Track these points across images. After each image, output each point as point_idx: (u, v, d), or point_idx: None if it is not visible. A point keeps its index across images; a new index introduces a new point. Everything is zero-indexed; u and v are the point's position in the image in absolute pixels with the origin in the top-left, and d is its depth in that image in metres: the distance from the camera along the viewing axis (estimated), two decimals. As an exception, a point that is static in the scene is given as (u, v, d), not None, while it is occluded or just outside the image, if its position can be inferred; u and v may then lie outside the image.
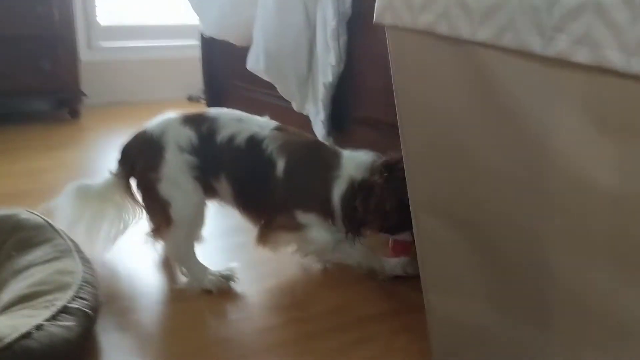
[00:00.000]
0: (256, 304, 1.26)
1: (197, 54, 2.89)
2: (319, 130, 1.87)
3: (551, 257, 0.78)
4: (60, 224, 1.32)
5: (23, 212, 1.33)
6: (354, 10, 1.73)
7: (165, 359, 1.07)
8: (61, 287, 1.08)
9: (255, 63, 2.02)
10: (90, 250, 1.30)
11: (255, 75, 2.17)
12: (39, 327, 0.95)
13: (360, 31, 1.74)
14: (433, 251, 0.95)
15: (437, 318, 0.98)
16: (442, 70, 0.82)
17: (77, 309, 1.04)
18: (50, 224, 1.34)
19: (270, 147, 1.30)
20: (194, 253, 1.33)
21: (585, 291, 0.76)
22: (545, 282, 0.80)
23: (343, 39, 1.74)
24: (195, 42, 2.87)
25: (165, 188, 1.28)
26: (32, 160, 2.39)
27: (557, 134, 0.73)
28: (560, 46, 0.69)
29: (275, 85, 2.00)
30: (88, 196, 1.39)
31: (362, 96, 1.79)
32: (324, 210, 1.29)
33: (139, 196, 1.37)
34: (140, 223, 1.43)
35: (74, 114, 3.24)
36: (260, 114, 1.39)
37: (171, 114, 1.36)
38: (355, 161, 1.30)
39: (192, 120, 1.33)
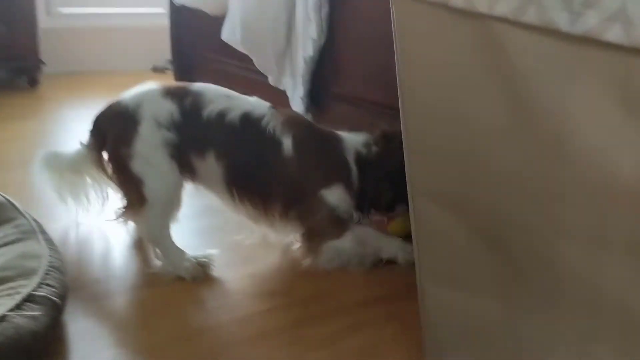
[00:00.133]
0: (236, 290, 1.20)
1: (164, 22, 2.78)
2: (297, 106, 1.80)
3: (564, 249, 0.74)
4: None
5: (-21, 189, 1.24)
6: (337, -20, 1.65)
7: (139, 350, 1.00)
8: (26, 273, 1.00)
9: (231, 34, 1.93)
10: (58, 227, 1.21)
11: (227, 47, 2.08)
12: (2, 319, 0.87)
13: (342, 2, 1.66)
14: (431, 239, 0.89)
15: (431, 308, 0.93)
16: (453, 46, 0.76)
17: (44, 297, 0.96)
18: (10, 202, 1.24)
19: (272, 125, 1.23)
20: (169, 235, 1.25)
21: (599, 286, 0.72)
22: (556, 276, 0.76)
23: (325, 10, 1.66)
24: (161, 10, 2.74)
25: (139, 165, 1.20)
26: (-11, 131, 2.26)
27: (578, 118, 0.68)
28: (590, 23, 0.63)
29: (252, 58, 1.92)
30: (57, 166, 1.29)
31: (342, 72, 1.72)
32: (348, 183, 1.26)
33: (111, 171, 1.27)
34: (111, 200, 1.34)
35: (33, 82, 3.11)
36: (232, 88, 1.31)
37: (151, 85, 1.26)
38: (354, 138, 1.29)
39: (173, 94, 1.23)
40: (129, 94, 1.25)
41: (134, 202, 1.23)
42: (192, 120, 1.21)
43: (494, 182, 0.78)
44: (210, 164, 1.23)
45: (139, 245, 1.36)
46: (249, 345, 1.01)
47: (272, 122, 1.23)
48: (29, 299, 0.93)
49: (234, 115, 1.22)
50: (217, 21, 2.10)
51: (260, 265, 1.31)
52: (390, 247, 1.27)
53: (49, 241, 1.14)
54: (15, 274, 1.00)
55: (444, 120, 0.81)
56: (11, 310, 0.89)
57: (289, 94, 1.85)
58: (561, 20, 0.65)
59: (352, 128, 1.38)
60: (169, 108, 1.20)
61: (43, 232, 1.17)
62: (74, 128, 2.24)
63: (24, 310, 0.91)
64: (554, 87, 0.69)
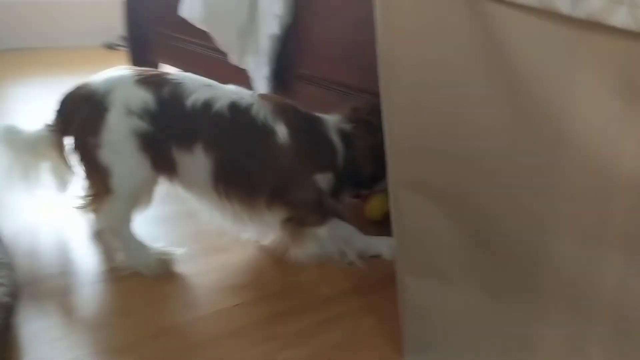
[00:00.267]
0: (203, 285, 1.13)
1: (116, -4, 2.63)
2: (260, 86, 1.72)
3: (555, 245, 0.71)
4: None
5: None
6: (303, -46, 1.57)
7: (100, 352, 0.93)
8: (-28, 273, 0.91)
9: (190, 10, 1.83)
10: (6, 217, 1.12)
11: (186, 23, 1.98)
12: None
13: (309, -22, 1.59)
14: (413, 231, 0.85)
15: (411, 303, 0.89)
16: (444, 29, 0.71)
17: (-7, 299, 0.88)
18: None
19: (262, 113, 1.18)
20: (130, 228, 1.17)
21: (591, 283, 0.69)
22: (546, 272, 0.73)
23: (291, -14, 1.58)
24: (114, -17, 2.60)
25: (106, 155, 1.11)
26: None
27: (574, 106, 0.64)
28: (593, 6, 0.59)
29: (213, 36, 1.83)
30: (13, 144, 1.18)
31: (310, 51, 1.65)
32: (336, 166, 1.25)
33: (75, 157, 1.17)
34: (68, 187, 1.25)
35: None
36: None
37: (124, 70, 1.17)
38: (332, 118, 1.28)
39: (149, 81, 1.14)
40: (99, 77, 1.15)
41: (99, 192, 1.15)
42: (173, 111, 1.13)
43: (482, 172, 0.74)
44: (197, 157, 1.15)
45: (98, 237, 1.27)
46: (217, 344, 0.95)
47: (262, 110, 1.18)
48: (-24, 301, 0.85)
49: (221, 104, 1.15)
50: (175, -4, 1.99)
51: (227, 256, 1.24)
52: (378, 244, 1.24)
53: (-5, 235, 1.05)
54: (-40, 274, 0.91)
55: (430, 107, 0.76)
56: (-44, 315, 0.81)
57: (251, 74, 1.77)
58: (562, 2, 0.61)
59: (319, 110, 1.33)
60: (142, 96, 1.12)
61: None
62: (18, 109, 2.08)
63: (-30, 315, 0.83)
64: (551, 73, 0.65)
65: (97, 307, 1.05)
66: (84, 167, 1.16)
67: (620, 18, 0.58)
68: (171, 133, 1.14)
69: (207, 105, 1.14)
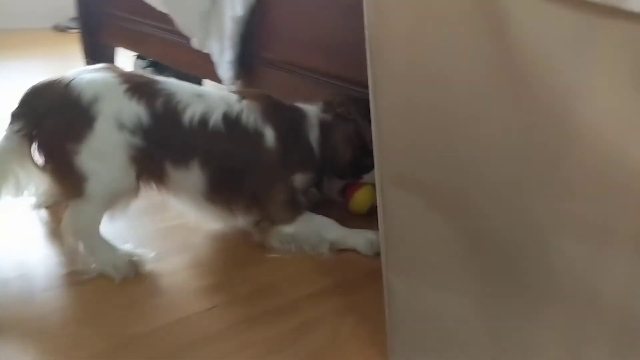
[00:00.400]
0: (172, 287, 1.06)
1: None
2: (225, 72, 1.64)
3: (559, 243, 0.66)
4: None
5: None
6: None
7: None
8: None
9: (148, -10, 1.72)
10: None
11: (142, 4, 1.87)
12: None
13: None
14: (401, 229, 0.80)
15: (398, 305, 0.84)
16: (441, 13, 0.65)
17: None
18: None
19: (252, 118, 1.16)
20: (99, 230, 1.10)
21: (599, 283, 0.65)
22: (547, 271, 0.69)
23: (256, -36, 1.50)
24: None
25: (86, 162, 1.04)
26: None
27: (582, 96, 0.59)
28: (608, -12, 0.54)
29: (173, 18, 1.73)
30: None
31: (275, 34, 1.57)
32: (314, 164, 1.25)
33: (40, 158, 1.08)
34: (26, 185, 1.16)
35: None
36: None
37: (107, 72, 1.10)
38: (312, 107, 1.28)
39: (139, 91, 1.08)
40: (78, 77, 1.07)
41: (67, 193, 1.07)
42: (170, 128, 1.10)
43: (480, 170, 0.69)
44: (191, 173, 1.13)
45: (57, 235, 1.18)
46: (189, 354, 0.89)
47: (252, 116, 1.16)
48: None
49: (215, 118, 1.13)
50: (129, -25, 1.88)
51: (198, 255, 1.17)
52: (354, 238, 1.20)
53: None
54: None
55: (424, 100, 0.70)
56: None
57: (214, 58, 1.68)
58: (574, -16, 0.55)
59: (286, 95, 1.30)
60: (134, 110, 1.07)
61: None
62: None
63: None
64: (558, 61, 0.59)
65: (57, 315, 0.97)
66: (53, 170, 1.08)
67: (637, 2, 0.53)
68: (166, 149, 1.11)
69: (203, 121, 1.11)
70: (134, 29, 2.15)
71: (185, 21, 1.71)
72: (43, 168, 1.08)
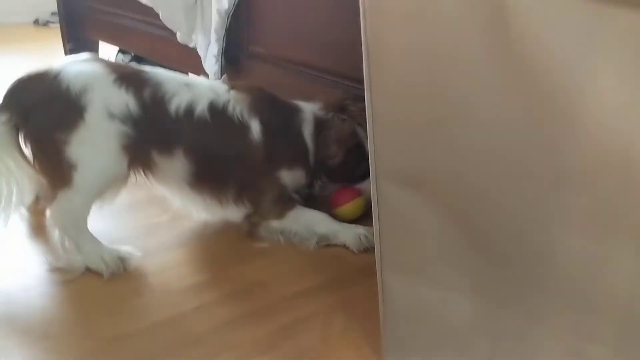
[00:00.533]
0: (157, 286, 1.03)
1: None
2: (210, 66, 1.61)
3: (560, 238, 0.64)
4: None
5: None
6: None
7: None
8: None
9: (131, -18, 1.68)
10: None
11: (124, -2, 1.83)
12: None
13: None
14: (396, 224, 0.77)
15: (393, 303, 0.82)
16: (440, 3, 0.62)
17: None
18: None
19: (238, 109, 1.15)
20: (86, 224, 1.08)
21: (602, 279, 0.63)
22: (547, 267, 0.67)
23: (242, -44, 1.47)
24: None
25: (76, 152, 1.04)
26: None
27: (594, 90, 0.57)
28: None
29: (158, 11, 1.69)
30: None
31: (262, 27, 1.54)
32: (306, 161, 1.22)
33: (28, 149, 1.08)
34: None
35: None
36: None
37: (95, 63, 1.10)
38: (309, 105, 1.25)
39: (127, 81, 1.09)
40: (66, 69, 1.06)
41: (56, 183, 1.06)
42: (157, 117, 1.10)
43: (481, 163, 0.66)
44: (176, 161, 1.13)
45: (40, 236, 1.16)
46: (175, 355, 0.86)
47: (238, 107, 1.15)
48: None
49: (201, 107, 1.13)
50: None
51: (184, 252, 1.14)
52: (345, 233, 1.17)
53: None
54: None
55: (422, 91, 0.67)
56: None
57: (200, 52, 1.65)
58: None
59: (273, 89, 1.26)
60: (123, 99, 1.07)
61: None
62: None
63: None
64: (568, 55, 0.57)
65: (41, 315, 0.94)
66: (41, 161, 1.07)
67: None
68: (153, 137, 1.11)
69: (189, 110, 1.11)
70: (116, 23, 2.11)
71: (170, 14, 1.67)
72: (32, 160, 1.08)
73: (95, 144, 1.05)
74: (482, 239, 0.71)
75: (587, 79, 0.56)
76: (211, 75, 1.61)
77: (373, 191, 0.76)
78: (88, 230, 1.07)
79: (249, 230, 1.19)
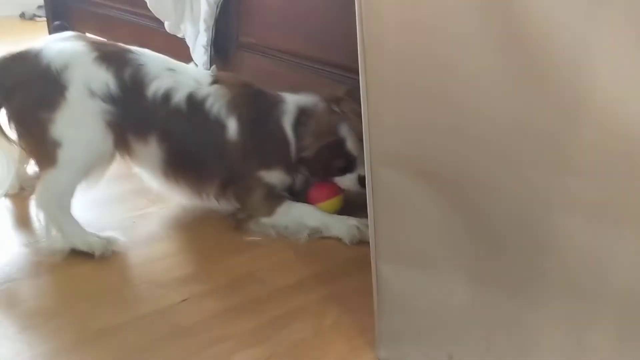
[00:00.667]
0: (143, 278, 1.00)
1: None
2: (199, 56, 1.58)
3: (562, 224, 0.63)
4: None
5: None
6: None
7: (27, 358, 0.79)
8: None
9: (118, -29, 1.65)
10: None
11: (113, -12, 1.80)
12: None
13: None
14: (392, 212, 0.75)
15: (388, 292, 0.79)
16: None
17: None
18: None
19: (216, 106, 1.13)
20: (69, 206, 1.06)
21: (604, 266, 0.62)
22: (548, 254, 0.65)
23: (231, -57, 1.44)
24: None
25: (61, 129, 1.03)
26: None
27: (596, 67, 0.55)
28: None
29: (145, 1, 1.66)
30: None
31: (252, 17, 1.52)
32: (288, 160, 1.18)
33: (12, 130, 1.07)
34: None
35: None
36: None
37: (76, 41, 1.09)
38: (295, 97, 1.20)
39: (109, 59, 1.07)
40: (46, 47, 1.05)
41: (41, 162, 1.06)
42: (134, 99, 1.08)
43: (479, 146, 0.64)
44: (150, 147, 1.11)
45: (21, 226, 1.13)
46: (163, 347, 0.83)
47: (217, 103, 1.13)
48: None
49: (180, 96, 1.10)
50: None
51: (171, 244, 1.12)
52: (336, 226, 1.14)
53: None
54: None
55: (419, 73, 0.65)
56: None
57: (189, 42, 1.62)
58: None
59: (264, 80, 1.24)
60: (103, 77, 1.06)
61: None
62: None
63: None
64: (572, 38, 0.55)
65: (22, 307, 0.91)
66: (26, 141, 1.07)
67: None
68: (129, 120, 1.08)
69: (166, 96, 1.09)
70: (104, 14, 2.08)
71: (158, 4, 1.64)
72: (18, 140, 1.07)
73: (78, 121, 1.03)
74: (482, 226, 0.69)
75: (589, 53, 0.54)
76: (200, 66, 1.58)
77: (368, 180, 0.74)
78: (71, 214, 1.06)
79: (237, 225, 1.16)
